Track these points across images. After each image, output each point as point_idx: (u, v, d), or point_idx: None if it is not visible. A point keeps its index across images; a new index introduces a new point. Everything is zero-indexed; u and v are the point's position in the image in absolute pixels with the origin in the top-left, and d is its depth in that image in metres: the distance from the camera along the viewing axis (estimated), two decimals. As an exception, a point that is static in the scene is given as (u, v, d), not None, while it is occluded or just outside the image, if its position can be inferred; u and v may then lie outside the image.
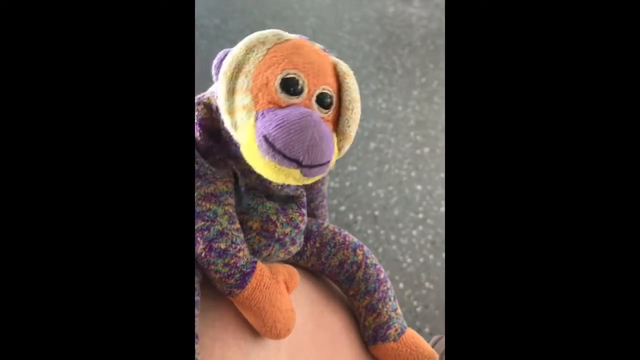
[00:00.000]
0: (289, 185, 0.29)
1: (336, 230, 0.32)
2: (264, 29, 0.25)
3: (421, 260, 0.90)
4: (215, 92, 0.26)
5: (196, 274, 0.26)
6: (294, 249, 0.29)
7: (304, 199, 0.30)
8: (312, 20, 1.53)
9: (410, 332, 0.31)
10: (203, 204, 0.25)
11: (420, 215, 0.97)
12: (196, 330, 0.24)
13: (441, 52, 1.43)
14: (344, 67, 0.27)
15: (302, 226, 0.29)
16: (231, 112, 0.24)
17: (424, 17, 1.57)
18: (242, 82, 0.24)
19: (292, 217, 0.28)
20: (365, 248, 0.32)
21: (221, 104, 0.25)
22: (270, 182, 0.27)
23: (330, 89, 0.25)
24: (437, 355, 0.31)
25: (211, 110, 0.26)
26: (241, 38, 0.25)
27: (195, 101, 0.27)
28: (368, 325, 0.31)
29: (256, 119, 0.23)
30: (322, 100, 0.25)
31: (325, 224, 0.32)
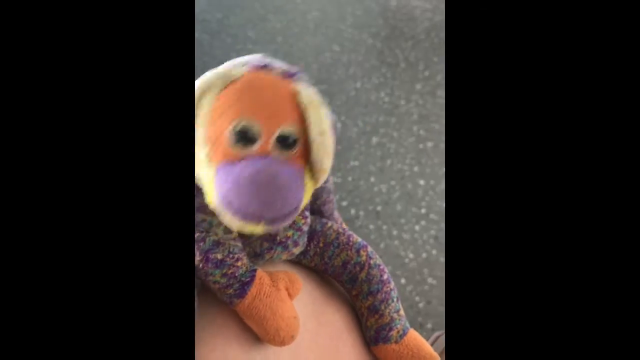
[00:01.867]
0: None
1: (340, 230, 0.31)
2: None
3: (424, 255, 0.89)
4: None
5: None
6: (297, 250, 0.29)
7: (307, 202, 0.30)
8: (314, 13, 1.52)
9: (413, 334, 0.31)
10: (197, 214, 0.25)
11: (423, 211, 0.97)
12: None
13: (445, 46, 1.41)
14: (306, 97, 0.24)
15: (305, 228, 0.29)
16: (197, 163, 0.24)
17: (427, 10, 1.55)
18: (200, 132, 0.23)
19: (294, 221, 0.28)
20: (369, 249, 0.32)
21: None
22: None
23: (291, 128, 0.24)
24: (438, 358, 0.30)
25: None
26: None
27: None
28: (370, 326, 0.31)
29: (215, 174, 0.22)
30: (284, 142, 0.23)
31: (330, 224, 0.32)
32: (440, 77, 1.30)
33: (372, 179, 1.03)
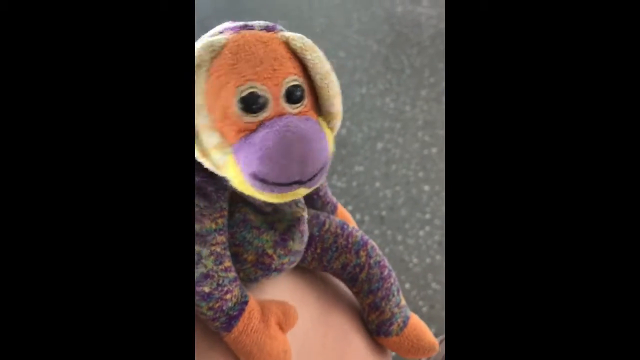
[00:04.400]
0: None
1: (339, 231, 0.30)
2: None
3: (428, 260, 0.90)
4: None
5: None
6: (294, 265, 0.29)
7: (306, 227, 0.29)
8: (320, 20, 1.53)
9: (413, 324, 0.31)
10: None
11: (427, 216, 0.97)
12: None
13: (450, 52, 1.42)
14: (298, 41, 0.23)
15: (303, 247, 0.28)
16: (205, 154, 0.22)
17: (432, 17, 1.56)
18: (201, 120, 0.21)
19: (291, 249, 0.27)
20: (369, 246, 0.31)
21: None
22: None
23: (295, 77, 0.22)
24: (437, 345, 0.31)
25: None
26: None
27: None
28: (372, 321, 0.31)
29: (234, 154, 0.21)
30: (292, 96, 0.22)
31: (327, 225, 0.30)
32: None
33: (377, 184, 1.04)
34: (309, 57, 0.23)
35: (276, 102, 0.22)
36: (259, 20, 0.24)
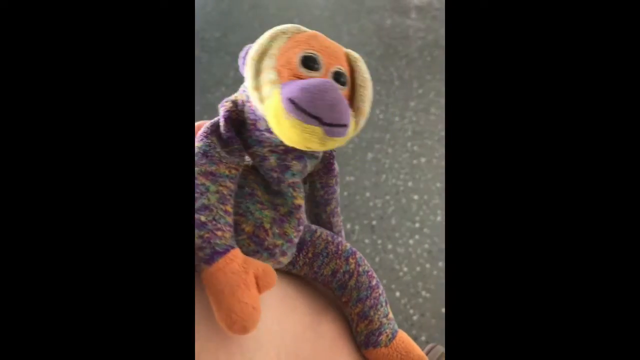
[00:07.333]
0: (295, 175, 0.30)
1: (329, 239, 0.32)
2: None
3: (418, 269, 0.91)
4: (243, 85, 0.29)
5: None
6: (284, 260, 0.30)
7: (304, 217, 0.31)
8: (311, 32, 1.55)
9: (401, 337, 0.32)
10: (200, 179, 0.27)
11: (417, 225, 0.99)
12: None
13: (438, 64, 1.45)
14: (354, 54, 0.30)
15: (296, 240, 0.30)
16: (258, 88, 0.27)
17: (421, 29, 1.59)
18: (267, 63, 0.27)
19: (286, 231, 0.29)
20: (358, 255, 0.32)
21: (248, 83, 0.27)
22: (282, 172, 0.29)
23: (344, 69, 0.29)
24: (426, 359, 0.32)
25: (237, 105, 0.29)
26: (241, 51, 0.29)
27: (224, 100, 0.30)
28: (360, 331, 0.32)
29: (281, 88, 0.26)
30: (338, 78, 0.28)
31: (319, 233, 0.32)
32: (433, 95, 1.33)
33: (368, 194, 1.05)
34: (358, 64, 0.30)
35: (326, 73, 0.28)
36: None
